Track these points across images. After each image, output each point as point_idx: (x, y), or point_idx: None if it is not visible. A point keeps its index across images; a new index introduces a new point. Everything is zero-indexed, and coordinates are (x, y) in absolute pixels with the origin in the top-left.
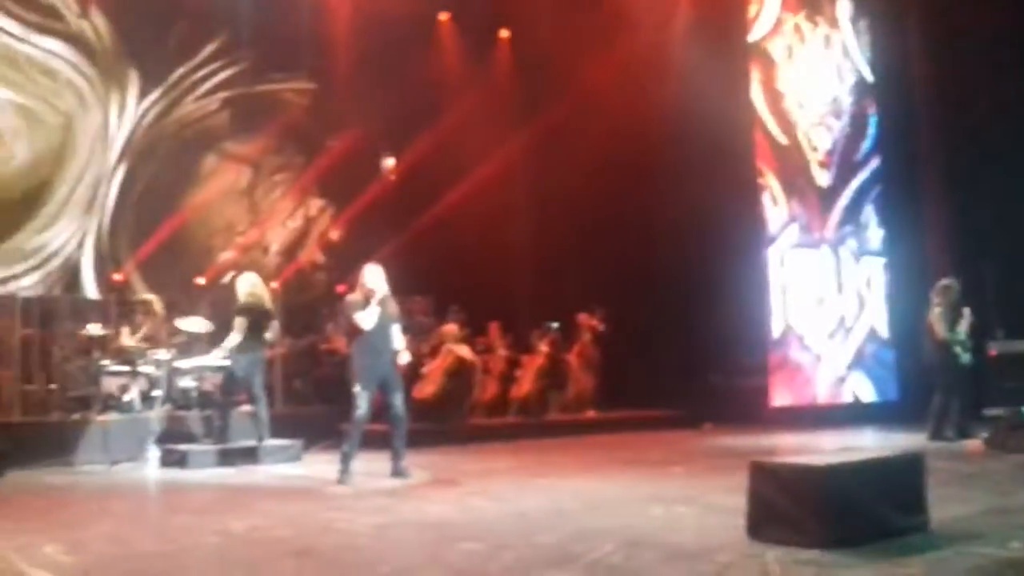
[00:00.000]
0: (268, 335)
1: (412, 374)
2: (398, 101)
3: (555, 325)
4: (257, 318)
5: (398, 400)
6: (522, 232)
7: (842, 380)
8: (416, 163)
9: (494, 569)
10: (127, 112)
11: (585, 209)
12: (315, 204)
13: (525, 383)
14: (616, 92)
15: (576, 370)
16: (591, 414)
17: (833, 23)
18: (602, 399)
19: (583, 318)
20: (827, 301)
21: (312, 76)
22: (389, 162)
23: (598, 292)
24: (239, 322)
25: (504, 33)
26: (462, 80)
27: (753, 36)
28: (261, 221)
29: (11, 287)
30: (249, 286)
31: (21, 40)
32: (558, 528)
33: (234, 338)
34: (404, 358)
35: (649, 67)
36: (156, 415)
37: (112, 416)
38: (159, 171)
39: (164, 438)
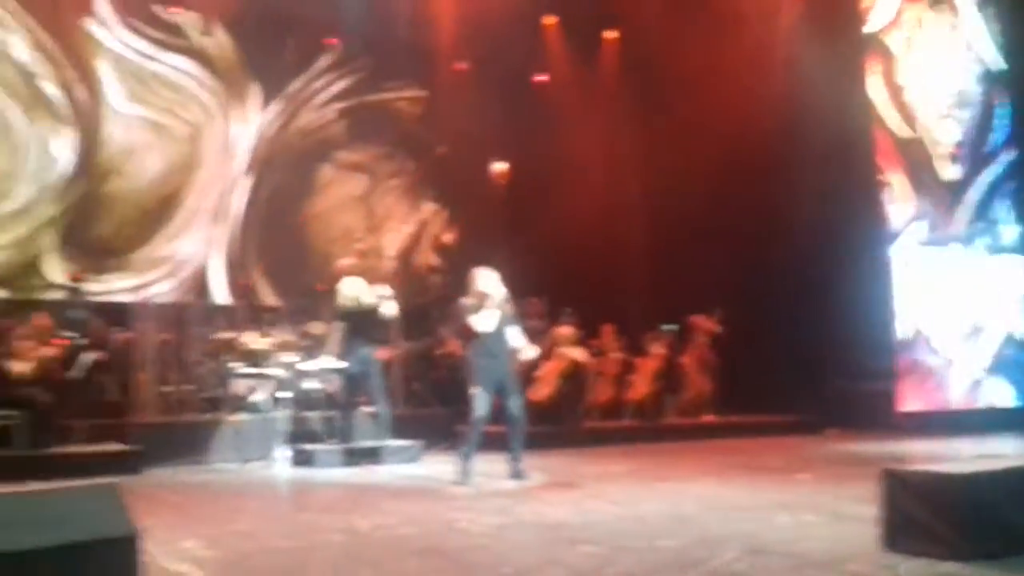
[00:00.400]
0: (386, 312)
1: (526, 377)
2: (507, 105)
3: (670, 327)
4: (360, 319)
5: (515, 402)
6: (635, 233)
7: (977, 384)
8: (527, 166)
9: (613, 572)
10: (249, 124)
11: (698, 209)
12: (428, 208)
13: (640, 386)
14: (727, 89)
15: (692, 373)
16: (708, 418)
17: (957, 10)
18: (719, 403)
19: (698, 320)
20: (958, 301)
21: (423, 84)
22: (499, 166)
23: (713, 293)
24: (337, 328)
25: (611, 34)
26: (570, 82)
27: (870, 28)
28: (376, 226)
29: (146, 294)
30: (347, 291)
31: (149, 58)
32: (678, 533)
33: (333, 344)
34: (530, 352)
35: (760, 63)
36: (283, 416)
37: (242, 416)
38: (281, 180)
39: (291, 438)
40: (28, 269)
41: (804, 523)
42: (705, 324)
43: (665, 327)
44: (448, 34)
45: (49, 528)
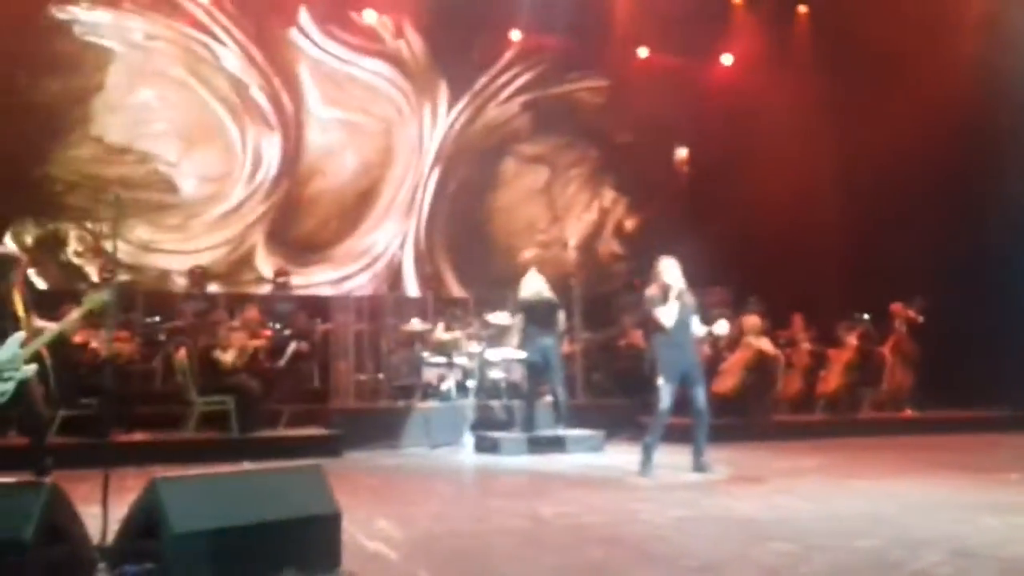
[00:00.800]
0: (559, 325)
1: (711, 368)
2: (691, 90)
3: (865, 317)
4: (540, 311)
5: (700, 394)
6: (827, 217)
7: None
8: (711, 150)
9: (808, 571)
10: (438, 121)
11: (897, 188)
12: (608, 195)
13: (832, 378)
14: (923, 59)
15: (891, 365)
16: (908, 413)
17: None
18: (920, 397)
19: (898, 308)
20: None
21: (605, 73)
22: (682, 152)
23: (913, 279)
24: (517, 319)
25: (802, 8)
26: (760, 62)
27: None
28: (559, 217)
29: (346, 286)
30: (528, 284)
31: (346, 62)
32: (876, 533)
33: (514, 336)
34: (722, 327)
35: (956, 27)
36: (470, 404)
37: (432, 404)
38: (467, 175)
39: (477, 425)
40: (240, 265)
41: (1013, 526)
42: (905, 312)
43: (860, 316)
44: (631, 21)
45: (264, 505)
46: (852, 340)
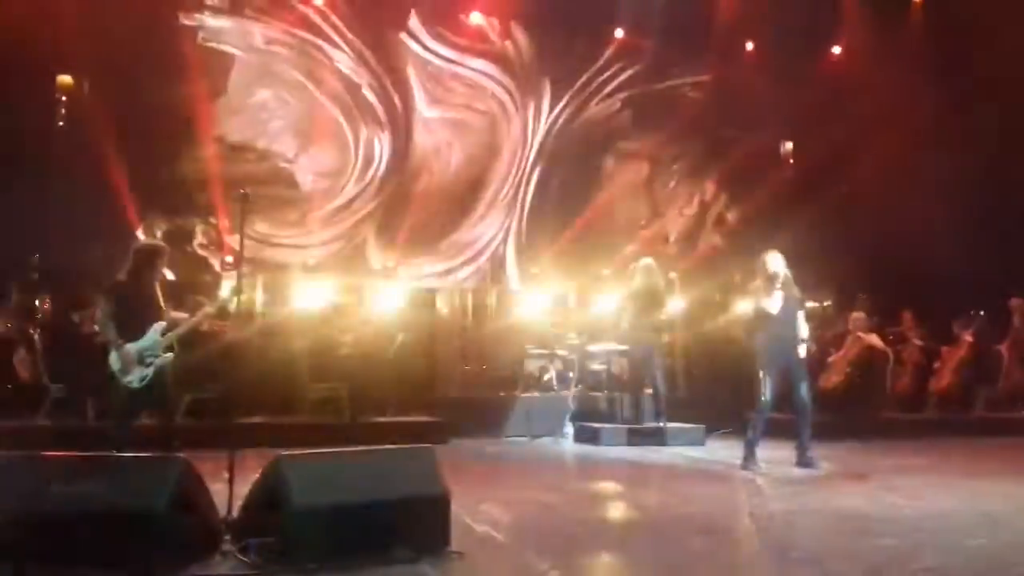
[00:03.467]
0: (662, 318)
1: (818, 363)
2: (797, 83)
3: (981, 313)
4: (648, 304)
5: (803, 389)
6: (938, 208)
7: None
8: (817, 144)
9: (917, 568)
10: (541, 118)
11: (1014, 179)
12: (709, 189)
13: (945, 376)
14: None
15: (1008, 363)
16: None
17: None
18: None
19: (1017, 304)
20: None
21: (709, 67)
22: (787, 146)
23: None
24: (625, 308)
25: None
26: (867, 53)
27: None
28: (660, 212)
29: (452, 279)
30: (642, 273)
31: (454, 63)
32: (988, 533)
33: (622, 323)
34: (804, 349)
35: None
36: (571, 395)
37: (533, 394)
38: (569, 171)
39: (578, 416)
40: (352, 259)
41: None
42: None
43: (975, 312)
44: (735, 13)
45: (379, 484)
46: (966, 337)
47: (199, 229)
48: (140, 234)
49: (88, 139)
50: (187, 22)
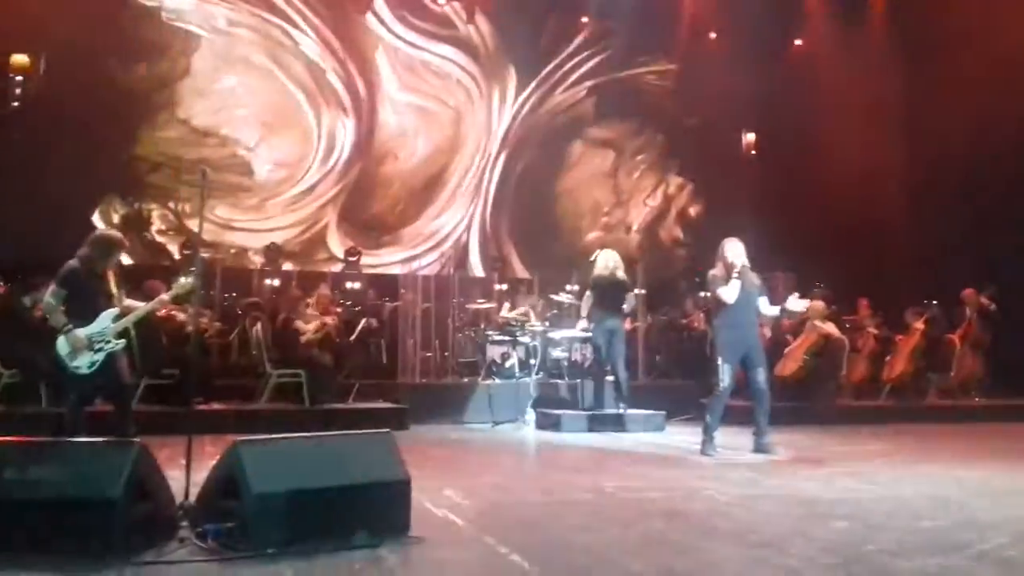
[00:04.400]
0: (624, 306)
1: (774, 351)
2: (759, 73)
3: (934, 303)
4: (610, 291)
5: (761, 375)
6: (895, 201)
7: None
8: (779, 134)
9: (871, 550)
10: (506, 106)
11: (971, 172)
12: (674, 182)
13: (898, 364)
14: (1001, 38)
15: (960, 352)
16: (976, 401)
17: None
18: (990, 385)
19: (969, 295)
20: None
21: (673, 57)
22: (749, 136)
23: (986, 266)
24: (587, 295)
25: None
26: (830, 44)
27: None
28: (624, 201)
29: (413, 266)
30: (603, 261)
31: (419, 48)
32: (941, 515)
33: (583, 310)
34: (798, 304)
35: None
36: (533, 381)
37: (495, 381)
38: (533, 158)
39: (539, 403)
40: (313, 245)
41: None
42: (977, 299)
43: (929, 302)
44: (700, 3)
45: (338, 469)
46: (919, 325)
47: (156, 214)
48: (97, 217)
49: (44, 120)
50: (147, 2)
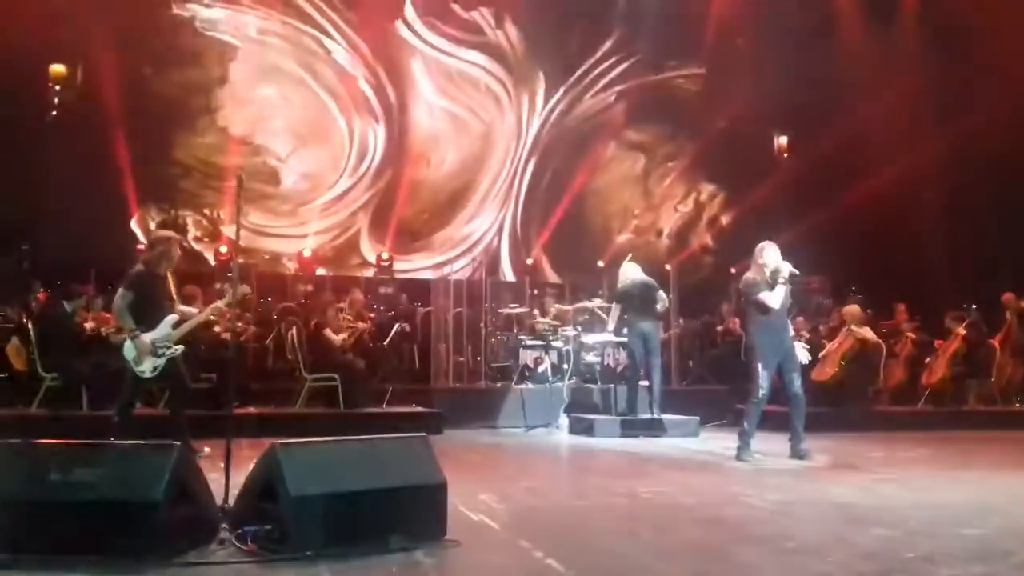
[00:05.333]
0: (658, 306)
1: (811, 356)
2: (794, 77)
3: (974, 307)
4: (640, 296)
5: (797, 381)
6: (933, 205)
7: None
8: (812, 137)
9: (910, 557)
10: (536, 111)
11: (1010, 174)
12: (706, 190)
13: (937, 369)
14: None
15: (1000, 357)
16: (1018, 406)
17: None
18: None
19: (1009, 299)
20: None
21: (703, 61)
22: (781, 139)
23: None
24: (615, 308)
25: None
26: (863, 45)
27: None
28: (655, 206)
29: (445, 271)
30: (626, 273)
31: (448, 54)
32: (983, 523)
33: (611, 322)
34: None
35: None
36: (565, 386)
37: (528, 385)
38: (563, 163)
39: (572, 407)
40: (346, 250)
41: None
42: (1017, 303)
43: (968, 307)
44: (729, 7)
45: (375, 472)
46: (959, 330)
47: (191, 221)
48: (135, 225)
49: (81, 129)
50: (180, 12)
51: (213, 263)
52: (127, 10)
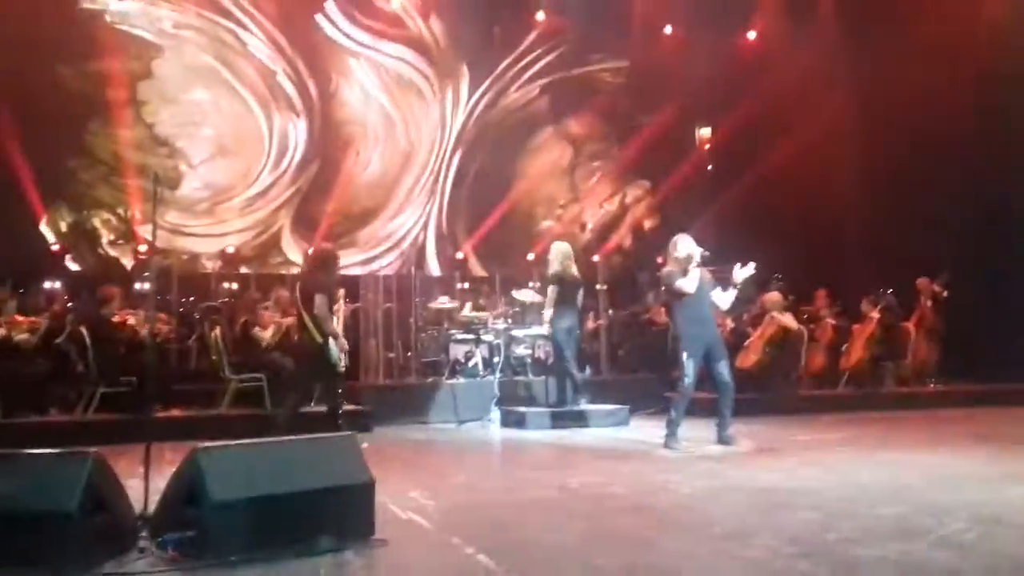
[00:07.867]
0: (580, 300)
1: (735, 344)
2: (714, 69)
3: (889, 291)
4: (568, 288)
5: (724, 368)
6: (850, 191)
7: None
8: (733, 129)
9: (832, 538)
10: (460, 105)
11: (924, 160)
12: (632, 193)
13: (855, 353)
14: (962, 31)
15: (915, 339)
16: (932, 387)
17: None
18: (945, 371)
19: (923, 283)
20: None
21: (627, 53)
22: (704, 132)
23: (939, 254)
24: (551, 291)
25: None
26: (788, 36)
27: None
28: (580, 199)
29: (373, 267)
30: (561, 255)
31: (371, 48)
32: (900, 501)
33: (548, 306)
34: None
35: None
36: (496, 380)
37: (459, 380)
38: (487, 157)
39: (504, 400)
40: (269, 248)
41: None
42: (930, 287)
43: (884, 291)
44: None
45: (300, 474)
46: (873, 314)
47: (103, 225)
48: (44, 226)
49: None
50: (91, 6)
51: (131, 264)
52: (27, 3)
